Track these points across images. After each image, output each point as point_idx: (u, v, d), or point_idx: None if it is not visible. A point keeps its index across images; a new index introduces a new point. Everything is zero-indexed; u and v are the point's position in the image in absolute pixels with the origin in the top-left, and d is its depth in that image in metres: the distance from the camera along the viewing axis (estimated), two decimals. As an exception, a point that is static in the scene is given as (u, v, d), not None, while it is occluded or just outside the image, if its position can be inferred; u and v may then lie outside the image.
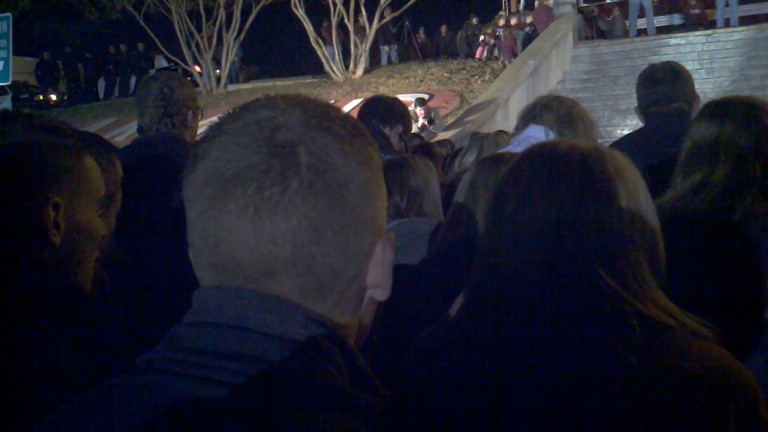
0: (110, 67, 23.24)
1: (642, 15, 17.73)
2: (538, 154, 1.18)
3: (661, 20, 18.56)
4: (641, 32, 17.83)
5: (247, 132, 0.74)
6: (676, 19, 18.83)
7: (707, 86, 12.80)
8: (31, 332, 1.11)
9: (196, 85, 19.13)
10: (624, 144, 3.06)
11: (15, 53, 14.36)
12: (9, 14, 13.63)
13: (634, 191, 1.12)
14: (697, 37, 15.81)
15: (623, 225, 1.09)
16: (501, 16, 20.11)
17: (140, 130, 3.11)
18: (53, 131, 1.28)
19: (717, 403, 0.97)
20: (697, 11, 17.86)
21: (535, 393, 1.03)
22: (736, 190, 1.78)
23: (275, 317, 0.72)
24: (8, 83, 13.07)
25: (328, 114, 0.77)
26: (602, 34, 19.02)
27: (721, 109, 1.92)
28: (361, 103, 3.62)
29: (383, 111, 3.54)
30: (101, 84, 23.38)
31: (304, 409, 0.68)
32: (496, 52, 18.62)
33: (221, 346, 0.71)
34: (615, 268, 1.07)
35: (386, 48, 21.03)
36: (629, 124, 11.13)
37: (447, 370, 1.12)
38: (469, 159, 2.97)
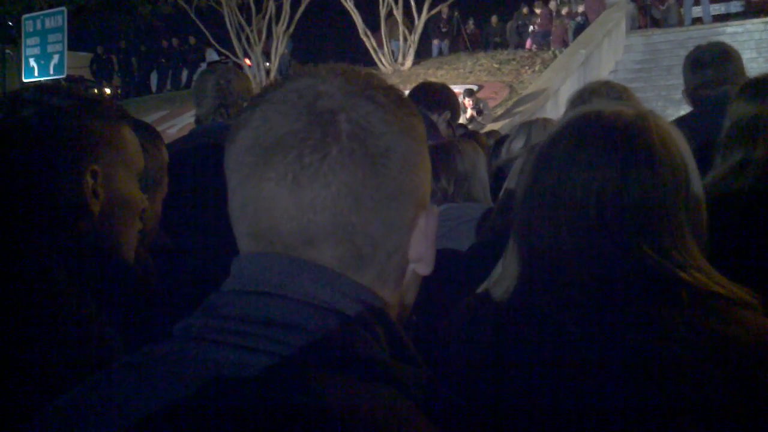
0: (162, 60, 23.59)
1: (697, 2, 17.28)
2: (581, 121, 1.15)
3: (717, 8, 18.04)
4: (696, 21, 17.41)
5: (287, 100, 0.73)
6: (734, 6, 18.33)
7: (766, 75, 12.45)
8: (70, 303, 1.10)
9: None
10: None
11: (70, 48, 14.66)
12: (64, 8, 13.93)
13: (680, 160, 1.09)
14: (755, 24, 15.38)
15: (667, 195, 1.06)
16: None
17: (197, 120, 3.18)
18: (90, 101, 1.28)
19: (761, 370, 0.95)
20: (754, -1, 17.38)
21: (572, 366, 1.00)
22: None
23: (315, 285, 0.71)
24: (64, 76, 13.34)
25: (371, 83, 0.76)
26: (656, 23, 18.64)
27: (760, 88, 1.88)
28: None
29: (431, 97, 3.53)
30: (153, 77, 23.77)
31: (343, 380, 0.66)
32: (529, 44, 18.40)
33: (259, 314, 0.70)
34: (658, 238, 1.05)
35: (436, 42, 20.94)
36: (683, 115, 10.85)
37: (482, 341, 1.11)
38: (517, 145, 2.92)
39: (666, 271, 1.03)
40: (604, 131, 1.10)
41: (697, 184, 1.12)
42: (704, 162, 1.97)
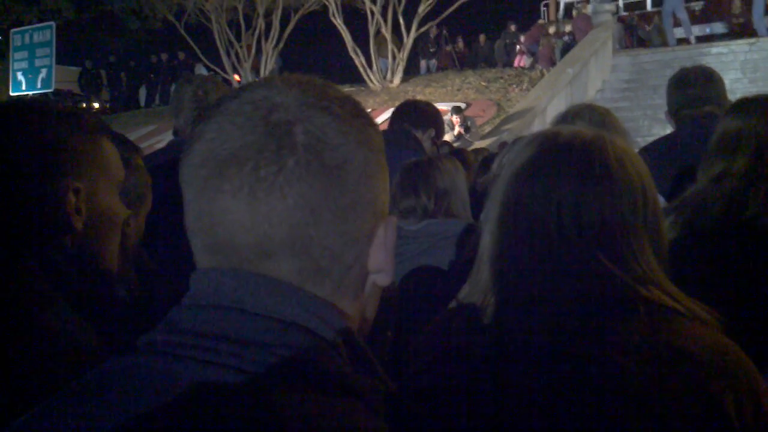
0: (151, 75, 23.58)
1: (677, 24, 17.43)
2: (540, 141, 1.18)
3: (697, 30, 18.13)
4: (682, 41, 17.56)
5: (242, 112, 0.72)
6: (718, 27, 18.50)
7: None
8: (55, 318, 1.10)
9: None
10: (653, 149, 3.01)
11: (59, 62, 14.63)
12: (53, 23, 13.92)
13: (637, 178, 1.12)
14: (740, 45, 15.53)
15: (624, 211, 1.09)
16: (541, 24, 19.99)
17: (176, 132, 3.15)
18: (69, 116, 1.28)
19: (713, 383, 0.97)
20: (741, 20, 17.53)
21: (537, 376, 1.03)
22: (752, 182, 1.76)
23: (272, 298, 0.70)
24: (51, 90, 13.30)
25: (326, 94, 0.76)
26: (642, 43, 18.80)
27: (748, 104, 1.92)
28: (396, 109, 3.67)
29: (415, 114, 3.53)
30: (142, 92, 23.74)
31: (302, 392, 0.66)
32: (525, 61, 18.51)
33: (218, 328, 0.69)
34: (618, 253, 1.08)
35: (423, 63, 21.07)
36: (669, 134, 10.91)
37: (447, 359, 1.12)
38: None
39: (623, 284, 1.05)
40: (562, 148, 1.14)
41: (656, 205, 1.15)
42: (687, 180, 2.00)
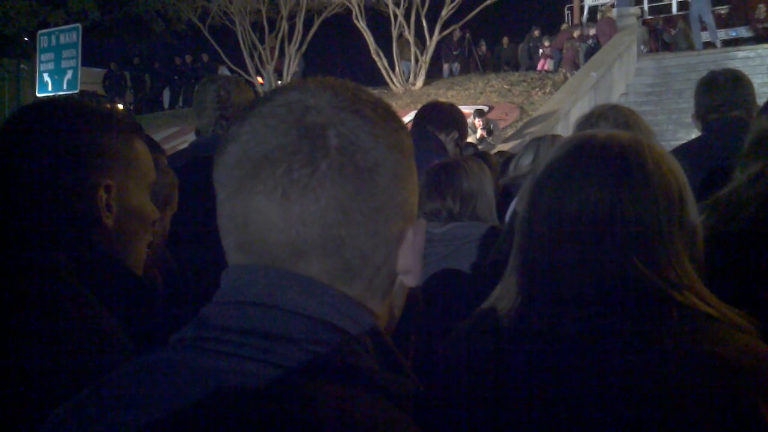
0: (175, 77, 23.74)
1: (704, 28, 17.28)
2: (576, 143, 1.17)
3: (722, 34, 17.97)
4: (708, 45, 17.40)
5: (276, 114, 0.74)
6: (744, 31, 18.32)
7: (777, 100, 12.42)
8: (83, 313, 1.12)
9: (258, 96, 19.42)
10: (680, 153, 2.97)
11: (84, 64, 14.77)
12: (79, 25, 14.04)
13: (674, 183, 1.11)
14: (766, 49, 15.36)
15: (661, 214, 1.08)
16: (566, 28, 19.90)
17: (197, 132, 3.16)
18: (105, 115, 1.30)
19: (748, 390, 0.96)
20: (766, 24, 17.34)
21: (567, 382, 1.02)
22: None
23: (303, 296, 0.71)
24: (77, 92, 13.43)
25: (359, 97, 0.77)
26: (667, 47, 18.66)
27: None
28: (418, 112, 3.65)
29: (438, 117, 3.52)
30: (166, 94, 23.91)
31: (330, 389, 0.66)
32: (549, 64, 18.44)
33: (248, 324, 0.70)
34: (653, 258, 1.06)
35: (446, 66, 21.06)
36: (694, 138, 10.81)
37: (476, 358, 1.12)
38: (525, 162, 2.91)
39: (657, 288, 1.04)
40: (599, 150, 1.13)
41: (693, 209, 1.13)
42: (715, 185, 1.97)
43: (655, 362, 0.98)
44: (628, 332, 1.02)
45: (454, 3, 18.63)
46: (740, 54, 15.45)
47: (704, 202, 1.85)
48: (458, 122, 3.60)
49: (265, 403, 0.65)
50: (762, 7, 17.66)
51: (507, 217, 2.74)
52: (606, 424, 0.98)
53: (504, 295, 1.17)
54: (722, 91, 2.98)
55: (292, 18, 20.50)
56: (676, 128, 12.87)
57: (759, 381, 0.97)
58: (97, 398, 0.73)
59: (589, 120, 2.49)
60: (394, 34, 19.23)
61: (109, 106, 1.40)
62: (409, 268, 0.79)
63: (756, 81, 3.03)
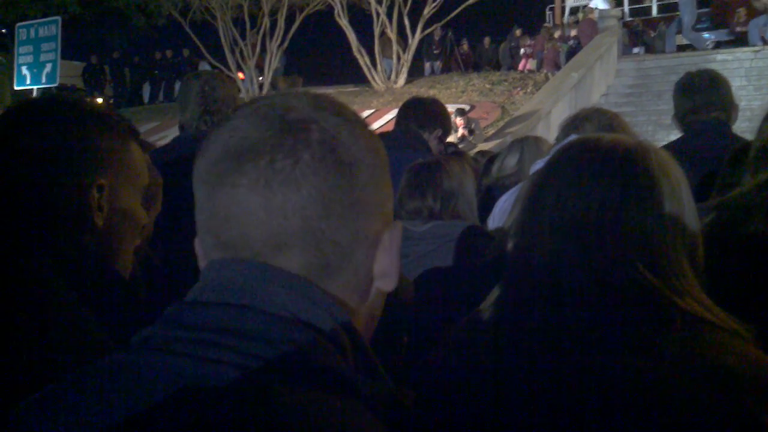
0: (155, 72, 23.57)
1: (680, 31, 17.41)
2: (580, 147, 1.16)
3: (708, 37, 18.14)
4: (687, 47, 17.54)
5: (258, 112, 0.76)
6: (723, 35, 18.48)
7: (755, 103, 12.52)
8: (68, 315, 1.10)
9: (239, 91, 19.33)
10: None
11: (64, 57, 14.62)
12: (58, 18, 13.86)
13: (678, 189, 1.10)
14: (745, 53, 15.53)
15: (665, 222, 1.07)
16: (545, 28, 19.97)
17: (181, 127, 3.15)
18: (100, 116, 1.30)
19: (750, 398, 0.95)
20: (744, 29, 17.50)
21: (567, 384, 1.00)
22: None
23: (285, 291, 0.71)
24: (56, 85, 13.28)
25: (339, 104, 0.80)
26: (648, 49, 18.78)
27: None
28: (400, 110, 3.59)
29: (421, 114, 3.48)
30: (146, 88, 23.74)
31: (302, 390, 0.66)
32: (532, 65, 18.51)
33: (222, 324, 0.69)
34: (656, 264, 1.05)
35: (428, 65, 21.06)
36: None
37: (474, 361, 1.10)
38: (510, 163, 2.93)
39: (662, 295, 1.03)
40: (604, 154, 1.12)
41: (694, 215, 1.12)
42: (697, 186, 1.98)
43: (657, 368, 0.97)
44: (630, 338, 1.00)
45: (436, 2, 18.66)
46: (719, 57, 15.59)
47: (705, 204, 1.85)
48: (442, 119, 3.57)
49: (232, 408, 0.63)
50: (741, 11, 17.82)
51: (489, 219, 2.75)
52: (606, 430, 0.96)
53: (501, 297, 1.16)
54: (700, 93, 3.01)
55: (273, 14, 20.40)
56: (655, 129, 12.97)
57: (760, 389, 0.96)
58: (49, 402, 0.70)
59: (574, 122, 2.51)
60: (376, 31, 19.20)
61: (107, 107, 1.39)
62: (386, 270, 0.79)
63: (734, 84, 3.07)
